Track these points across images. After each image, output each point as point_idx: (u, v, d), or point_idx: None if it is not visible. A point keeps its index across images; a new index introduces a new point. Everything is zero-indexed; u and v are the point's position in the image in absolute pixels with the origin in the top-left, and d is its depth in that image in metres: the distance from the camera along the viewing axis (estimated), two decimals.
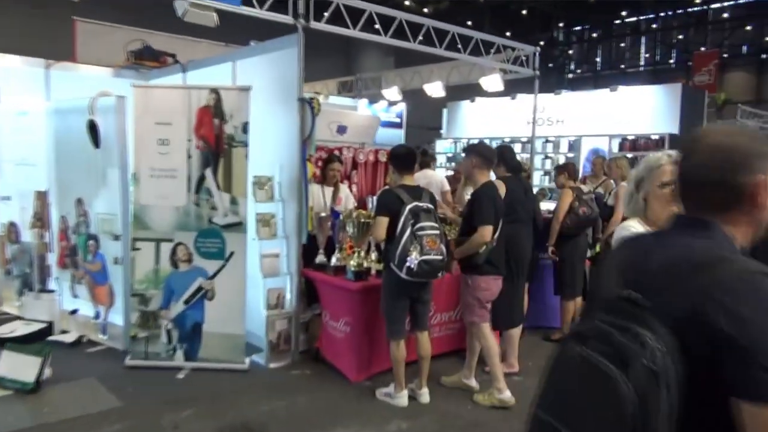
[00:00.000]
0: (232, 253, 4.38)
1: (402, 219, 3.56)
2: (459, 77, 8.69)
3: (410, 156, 3.90)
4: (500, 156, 4.54)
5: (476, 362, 4.24)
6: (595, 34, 38.78)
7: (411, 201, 3.61)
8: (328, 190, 5.34)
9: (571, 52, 37.29)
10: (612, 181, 6.60)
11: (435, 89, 8.68)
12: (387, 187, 4.00)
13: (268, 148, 4.68)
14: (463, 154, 4.13)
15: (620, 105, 9.52)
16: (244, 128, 4.40)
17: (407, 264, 3.49)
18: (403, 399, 3.88)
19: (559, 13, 31.69)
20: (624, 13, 35.54)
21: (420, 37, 6.30)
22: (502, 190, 4.35)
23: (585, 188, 5.46)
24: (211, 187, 4.39)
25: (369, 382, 4.25)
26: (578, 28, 36.28)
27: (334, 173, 5.38)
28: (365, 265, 4.28)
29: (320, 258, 4.58)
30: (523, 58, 7.31)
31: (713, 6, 33.94)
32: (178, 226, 4.40)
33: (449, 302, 4.66)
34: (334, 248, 4.48)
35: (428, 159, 6.61)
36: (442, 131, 12.80)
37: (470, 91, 11.93)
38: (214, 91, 4.42)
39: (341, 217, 4.35)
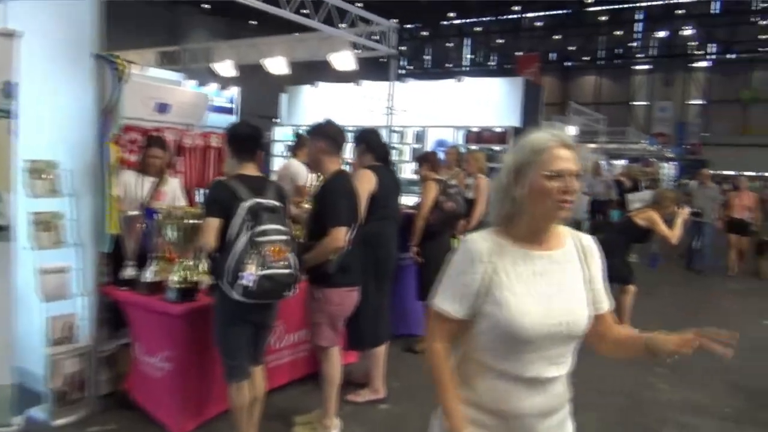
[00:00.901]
0: None
1: (236, 221, 2.65)
2: (305, 53, 7.75)
3: (254, 137, 2.97)
4: (366, 142, 3.80)
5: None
6: (425, 33, 40.46)
7: (250, 197, 2.71)
8: (149, 182, 4.19)
9: (403, 48, 38.48)
10: (463, 172, 6.43)
11: (277, 65, 7.64)
12: (220, 178, 3.05)
13: (50, 121, 3.39)
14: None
15: (465, 96, 9.40)
16: (8, 91, 3.08)
17: (241, 281, 2.58)
18: None
19: (394, 10, 32.25)
20: (452, 15, 37.45)
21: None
22: (371, 182, 3.61)
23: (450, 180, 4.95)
24: None
25: None
26: (409, 26, 37.47)
27: (154, 160, 4.23)
28: (192, 278, 3.25)
29: (129, 271, 3.43)
30: (376, 35, 6.65)
31: (527, 15, 37.27)
32: None
33: (302, 318, 3.79)
34: (148, 257, 3.37)
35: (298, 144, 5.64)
36: (279, 120, 11.85)
37: (313, 75, 11.15)
38: None
39: (158, 216, 3.26)
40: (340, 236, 3.03)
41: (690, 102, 35.70)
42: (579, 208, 12.83)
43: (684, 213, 5.11)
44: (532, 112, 9.27)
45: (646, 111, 36.45)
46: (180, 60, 8.50)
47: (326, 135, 3.22)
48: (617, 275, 5.27)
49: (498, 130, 8.92)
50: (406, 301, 4.95)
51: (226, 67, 8.18)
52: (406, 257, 4.71)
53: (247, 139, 2.94)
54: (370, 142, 3.81)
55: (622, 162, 18.94)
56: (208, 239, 2.72)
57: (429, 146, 9.35)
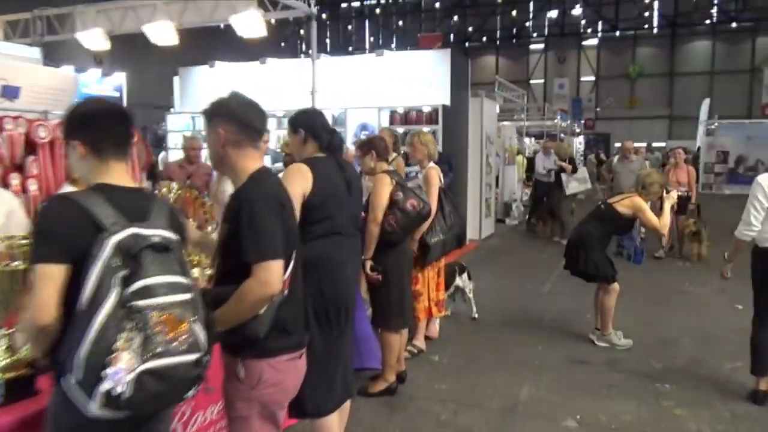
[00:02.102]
0: None
1: (96, 270, 1.42)
2: (198, 16, 6.21)
3: (119, 116, 1.71)
4: (306, 127, 2.62)
5: None
6: (324, 15, 39.26)
7: (122, 225, 1.49)
8: None
9: (302, 32, 37.44)
10: (401, 158, 5.59)
11: (162, 33, 6.04)
12: (64, 192, 1.76)
13: None
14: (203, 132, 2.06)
15: (387, 73, 8.38)
16: None
17: (105, 385, 1.37)
18: None
19: None
20: None
21: None
22: (304, 179, 2.46)
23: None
24: None
25: None
26: None
27: None
28: (27, 358, 1.96)
29: None
30: None
31: None
32: None
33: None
34: None
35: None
36: (173, 109, 10.30)
37: (209, 53, 9.66)
38: None
39: None
40: (273, 276, 1.80)
41: (583, 79, 37.15)
42: (507, 188, 12.20)
43: (672, 198, 4.40)
44: (461, 89, 8.41)
45: (542, 88, 37.44)
46: (32, 30, 6.62)
47: (232, 116, 1.97)
48: (599, 273, 4.49)
49: (427, 109, 7.97)
50: (355, 328, 3.85)
51: (94, 38, 6.45)
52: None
53: (108, 117, 1.68)
54: (313, 127, 2.62)
55: (532, 139, 18.85)
56: (43, 304, 1.47)
57: (351, 130, 8.25)
